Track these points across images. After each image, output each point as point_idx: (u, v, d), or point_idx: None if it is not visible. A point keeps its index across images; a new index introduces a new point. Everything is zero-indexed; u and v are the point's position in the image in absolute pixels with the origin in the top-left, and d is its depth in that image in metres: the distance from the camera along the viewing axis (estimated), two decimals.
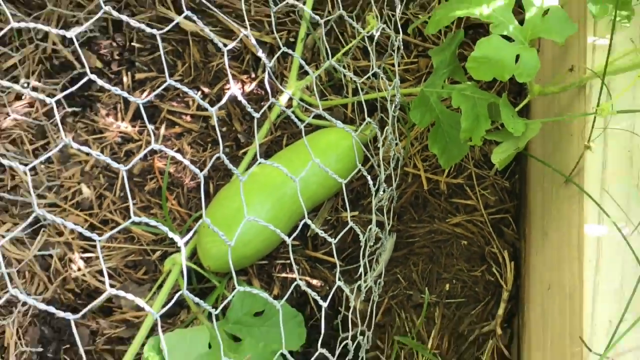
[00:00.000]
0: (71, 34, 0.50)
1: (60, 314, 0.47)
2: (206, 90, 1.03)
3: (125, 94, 0.50)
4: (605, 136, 0.77)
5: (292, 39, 1.06)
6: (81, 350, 0.48)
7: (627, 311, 0.70)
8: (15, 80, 1.02)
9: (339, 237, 0.75)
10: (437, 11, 0.79)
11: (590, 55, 0.82)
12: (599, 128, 0.76)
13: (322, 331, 0.65)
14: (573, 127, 0.82)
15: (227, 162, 0.58)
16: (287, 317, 0.78)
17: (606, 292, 0.72)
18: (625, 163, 0.77)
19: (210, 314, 0.84)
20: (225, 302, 0.79)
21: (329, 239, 0.71)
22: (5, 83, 0.59)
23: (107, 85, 0.50)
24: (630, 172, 0.77)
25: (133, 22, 0.55)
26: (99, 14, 0.52)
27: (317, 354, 0.65)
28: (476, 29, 1.07)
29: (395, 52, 0.86)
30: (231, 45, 0.68)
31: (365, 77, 0.83)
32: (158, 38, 0.53)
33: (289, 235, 0.93)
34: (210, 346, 0.75)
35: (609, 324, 0.70)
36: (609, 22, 0.80)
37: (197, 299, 0.49)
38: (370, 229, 0.81)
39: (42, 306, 0.48)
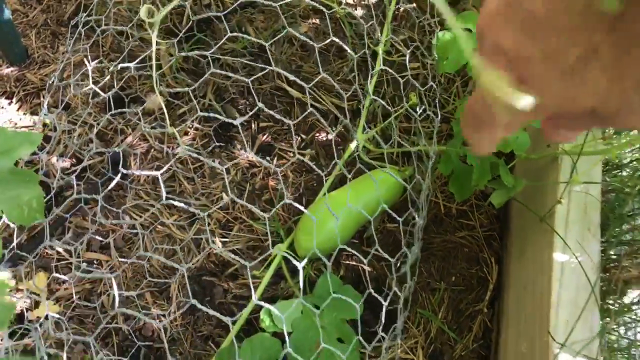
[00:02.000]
0: (238, 122, 0.51)
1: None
2: (304, 136, 1.04)
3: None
4: (569, 194, 0.76)
5: (360, 107, 1.06)
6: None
7: (580, 317, 0.69)
8: (184, 122, 1.04)
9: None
10: (464, 102, 0.78)
11: None
12: (565, 185, 0.75)
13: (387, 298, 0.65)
14: (547, 186, 0.80)
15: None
16: (351, 295, 0.78)
17: (566, 299, 0.71)
18: (581, 213, 0.75)
19: (300, 288, 0.85)
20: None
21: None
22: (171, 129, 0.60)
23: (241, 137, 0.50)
24: (584, 219, 0.75)
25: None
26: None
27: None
28: None
29: (435, 123, 0.85)
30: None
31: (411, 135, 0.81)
32: (300, 92, 0.53)
33: (354, 237, 0.93)
34: (302, 312, 0.76)
35: (566, 323, 0.69)
36: None
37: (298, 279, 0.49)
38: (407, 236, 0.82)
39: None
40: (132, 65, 0.72)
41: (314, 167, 0.77)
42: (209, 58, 1.05)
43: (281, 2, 0.86)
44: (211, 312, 0.61)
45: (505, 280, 0.90)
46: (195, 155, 0.66)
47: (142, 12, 0.61)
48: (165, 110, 0.68)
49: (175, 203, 0.58)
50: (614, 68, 0.32)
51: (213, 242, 0.94)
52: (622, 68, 0.32)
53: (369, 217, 0.81)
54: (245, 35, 0.73)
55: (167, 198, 0.96)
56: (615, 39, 0.31)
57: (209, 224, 0.95)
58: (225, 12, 0.99)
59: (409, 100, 1.07)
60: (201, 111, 1.05)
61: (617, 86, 0.32)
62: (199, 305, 0.61)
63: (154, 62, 0.67)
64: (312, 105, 1.06)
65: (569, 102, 0.35)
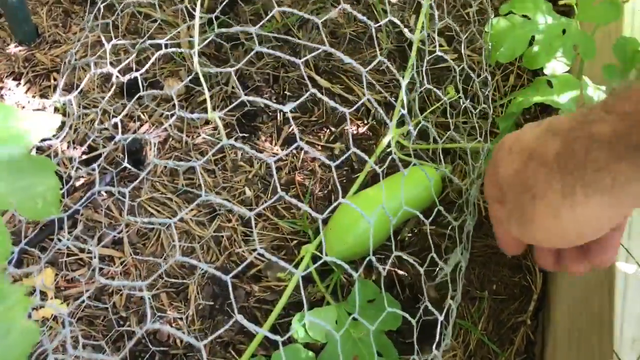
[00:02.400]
0: (287, 108, 0.44)
1: (223, 276, 0.41)
2: (332, 129, 0.97)
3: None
4: None
5: (393, 99, 0.99)
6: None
7: None
8: (205, 110, 0.97)
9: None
10: (518, 97, 0.71)
11: None
12: None
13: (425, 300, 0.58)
14: None
15: None
16: (389, 304, 0.72)
17: (632, 315, 0.64)
18: None
19: (332, 293, 0.78)
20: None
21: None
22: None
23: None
24: None
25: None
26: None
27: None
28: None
29: (488, 118, 0.78)
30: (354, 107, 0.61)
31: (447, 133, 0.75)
32: (329, 82, 0.46)
33: (387, 239, 0.87)
34: (337, 322, 0.69)
35: (633, 341, 0.63)
36: None
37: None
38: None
39: (212, 271, 0.42)
40: (162, 42, 0.65)
41: (343, 162, 0.69)
42: (234, 42, 0.98)
43: None
44: (236, 317, 0.54)
45: (552, 290, 0.83)
46: (216, 145, 0.59)
47: None
48: (209, 91, 0.61)
49: (217, 200, 0.51)
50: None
51: (235, 240, 0.87)
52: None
53: (402, 218, 0.74)
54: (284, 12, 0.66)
55: (185, 191, 0.90)
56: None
57: (230, 221, 0.88)
58: None
59: (447, 94, 1.00)
60: (224, 99, 0.98)
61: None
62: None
63: (196, 37, 0.60)
64: (341, 96, 0.99)
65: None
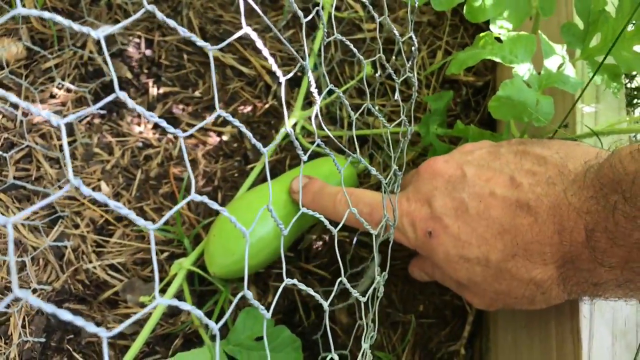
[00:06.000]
0: (99, 34, 0.26)
1: (93, 328, 0.22)
2: (222, 108, 0.78)
3: (140, 109, 0.26)
4: None
5: (299, 74, 0.82)
6: None
7: None
8: (51, 80, 0.76)
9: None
10: (460, 54, 0.56)
11: (579, 120, 0.61)
12: None
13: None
14: None
15: None
16: (285, 342, 0.54)
17: (600, 346, 0.50)
18: None
19: (218, 320, 0.60)
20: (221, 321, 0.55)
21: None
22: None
23: (129, 102, 0.27)
24: None
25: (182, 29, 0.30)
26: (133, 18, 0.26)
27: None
28: (454, 85, 0.84)
29: (412, 98, 0.63)
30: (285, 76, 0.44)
31: (358, 112, 0.62)
32: (210, 55, 0.29)
33: (290, 249, 0.70)
34: None
35: None
36: (597, 94, 0.60)
37: (205, 319, 0.25)
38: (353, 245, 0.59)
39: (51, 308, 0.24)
40: None
41: (235, 150, 0.52)
42: None
43: None
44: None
45: (492, 312, 0.69)
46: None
47: None
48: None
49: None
50: (493, 277, 0.49)
51: (83, 253, 0.66)
52: (496, 282, 0.49)
53: (308, 223, 0.58)
54: None
55: (14, 186, 0.68)
56: (503, 265, 0.48)
57: (77, 227, 0.67)
58: None
59: (362, 70, 0.85)
60: (78, 66, 0.77)
61: (489, 285, 0.50)
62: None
63: None
64: (234, 68, 0.81)
65: (451, 271, 0.51)
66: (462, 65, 0.53)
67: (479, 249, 0.48)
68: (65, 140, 0.22)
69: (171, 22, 0.28)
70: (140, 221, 0.24)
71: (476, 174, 0.50)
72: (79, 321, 0.22)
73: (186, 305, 0.26)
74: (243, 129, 0.33)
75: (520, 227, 0.45)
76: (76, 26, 0.26)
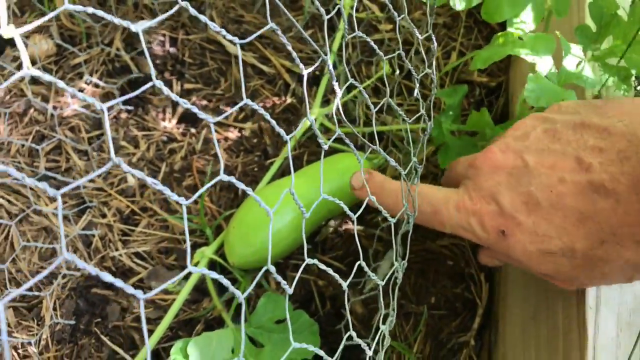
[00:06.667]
0: (138, 27, 0.29)
1: (130, 289, 0.25)
2: (243, 105, 0.81)
3: (174, 97, 0.29)
4: None
5: (317, 73, 0.85)
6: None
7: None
8: (80, 76, 0.79)
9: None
10: (482, 52, 0.58)
11: None
12: None
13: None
14: None
15: None
16: (303, 326, 0.58)
17: (605, 338, 0.53)
18: None
19: (236, 309, 0.63)
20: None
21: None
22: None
23: (163, 88, 0.29)
24: None
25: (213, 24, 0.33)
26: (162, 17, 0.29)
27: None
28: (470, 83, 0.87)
29: (431, 94, 0.66)
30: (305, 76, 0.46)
31: (377, 108, 0.64)
32: (238, 48, 0.32)
33: (307, 241, 0.73)
34: (233, 350, 0.54)
35: None
36: (610, 92, 0.62)
37: (232, 288, 0.28)
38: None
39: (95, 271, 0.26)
40: None
41: (255, 145, 0.54)
42: None
43: None
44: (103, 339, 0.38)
45: (501, 304, 0.71)
46: (92, 120, 0.43)
47: None
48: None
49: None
50: (583, 267, 0.46)
51: (110, 241, 0.70)
52: (587, 269, 0.46)
53: (325, 216, 0.60)
54: None
55: (45, 177, 0.71)
56: (593, 253, 0.44)
57: (104, 216, 0.71)
58: None
59: (380, 69, 0.88)
60: (106, 63, 0.80)
61: (579, 273, 0.47)
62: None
63: None
64: (255, 67, 0.84)
65: (534, 266, 0.48)
66: (487, 60, 0.55)
67: (560, 240, 0.45)
68: (107, 122, 0.25)
69: (202, 18, 0.31)
70: (174, 196, 0.27)
71: (539, 162, 0.46)
72: (118, 283, 0.25)
73: (214, 274, 0.29)
74: (267, 116, 0.36)
75: (602, 211, 0.42)
76: (117, 20, 0.29)
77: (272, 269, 0.32)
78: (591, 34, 0.59)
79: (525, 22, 0.56)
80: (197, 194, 0.29)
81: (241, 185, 0.32)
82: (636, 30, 0.60)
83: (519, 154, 0.48)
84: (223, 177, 0.31)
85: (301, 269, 0.34)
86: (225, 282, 0.29)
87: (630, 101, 0.46)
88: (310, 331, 0.57)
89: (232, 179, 0.32)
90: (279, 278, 0.33)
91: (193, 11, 0.31)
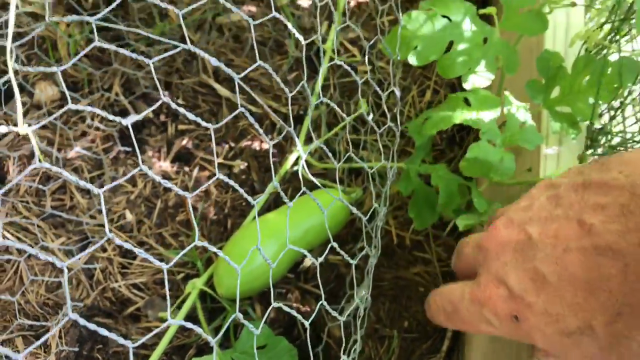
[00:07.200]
0: (127, 121, 0.36)
1: (121, 340, 0.32)
2: (232, 144, 0.89)
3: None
4: None
5: (301, 112, 0.92)
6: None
7: None
8: (82, 119, 0.87)
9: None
10: (433, 114, 0.66)
11: (543, 163, 0.70)
12: None
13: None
14: None
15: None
16: (283, 351, 0.64)
17: None
18: None
19: (225, 334, 0.70)
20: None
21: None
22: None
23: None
24: None
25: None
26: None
27: None
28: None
29: (396, 136, 0.73)
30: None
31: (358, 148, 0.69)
32: (236, 79, 0.39)
33: (289, 271, 0.80)
34: None
35: None
36: (560, 137, 0.69)
37: (204, 334, 0.35)
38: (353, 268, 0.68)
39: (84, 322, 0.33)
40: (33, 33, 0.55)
41: (243, 181, 0.62)
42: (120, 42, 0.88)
43: None
44: None
45: None
46: (93, 161, 0.50)
47: None
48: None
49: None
50: (610, 348, 0.38)
51: (110, 273, 0.77)
52: (615, 351, 0.38)
53: (306, 248, 0.67)
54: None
55: (52, 215, 0.79)
56: (613, 329, 0.37)
57: (105, 250, 0.78)
58: None
59: (359, 108, 0.95)
60: (106, 107, 0.88)
61: (611, 355, 0.38)
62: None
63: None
64: (243, 107, 0.91)
65: (562, 355, 0.42)
66: (436, 127, 0.63)
67: (576, 317, 0.39)
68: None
69: (204, 54, 0.38)
70: (156, 262, 0.34)
71: (542, 232, 0.42)
72: (112, 336, 0.32)
73: (189, 324, 0.36)
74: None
75: (612, 277, 0.37)
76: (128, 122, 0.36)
77: (240, 316, 0.39)
78: (540, 87, 0.66)
79: (478, 80, 0.63)
80: (176, 257, 0.36)
81: (212, 249, 0.39)
82: (579, 81, 0.67)
83: (522, 226, 0.44)
84: (197, 243, 0.39)
85: (269, 309, 0.41)
86: (197, 329, 0.37)
87: (635, 153, 0.41)
88: (290, 355, 0.64)
89: (205, 244, 0.39)
90: (246, 323, 0.40)
91: (201, 53, 0.38)
